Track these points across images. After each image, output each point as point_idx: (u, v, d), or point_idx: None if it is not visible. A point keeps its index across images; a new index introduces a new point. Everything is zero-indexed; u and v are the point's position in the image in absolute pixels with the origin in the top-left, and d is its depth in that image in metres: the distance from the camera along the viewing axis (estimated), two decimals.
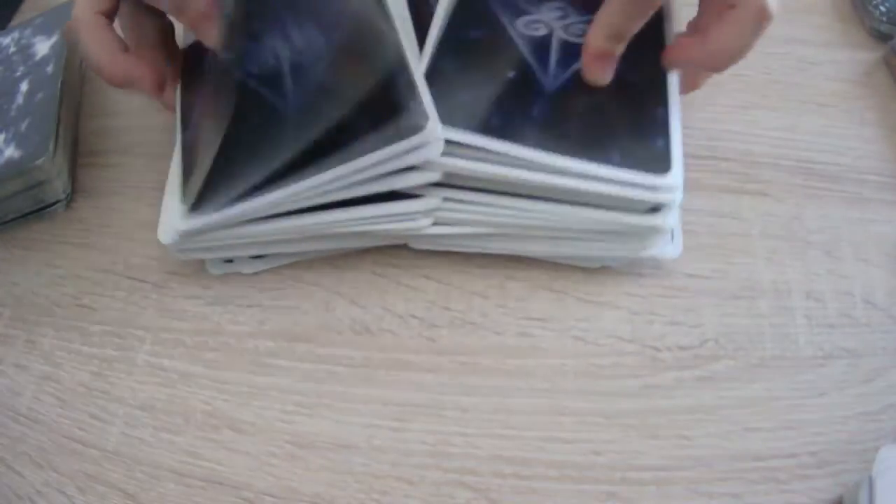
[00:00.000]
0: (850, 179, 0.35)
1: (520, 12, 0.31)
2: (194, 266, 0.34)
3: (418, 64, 0.29)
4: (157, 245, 0.35)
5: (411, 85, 0.28)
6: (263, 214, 0.29)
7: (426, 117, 0.27)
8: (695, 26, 0.31)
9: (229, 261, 0.34)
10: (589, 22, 0.28)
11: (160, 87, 0.32)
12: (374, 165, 0.27)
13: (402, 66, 0.29)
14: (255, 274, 0.34)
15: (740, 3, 0.27)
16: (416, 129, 0.27)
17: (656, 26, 0.30)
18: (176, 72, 0.33)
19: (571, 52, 0.29)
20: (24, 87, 0.38)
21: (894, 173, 0.35)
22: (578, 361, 0.30)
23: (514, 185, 0.28)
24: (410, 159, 0.27)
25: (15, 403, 0.31)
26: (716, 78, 0.39)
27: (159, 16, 0.31)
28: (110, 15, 0.30)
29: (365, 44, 0.30)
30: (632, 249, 0.31)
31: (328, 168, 0.27)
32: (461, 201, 0.29)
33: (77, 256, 0.35)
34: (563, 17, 0.31)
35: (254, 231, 0.29)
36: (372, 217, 0.29)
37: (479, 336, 0.31)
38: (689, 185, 0.35)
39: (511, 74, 0.29)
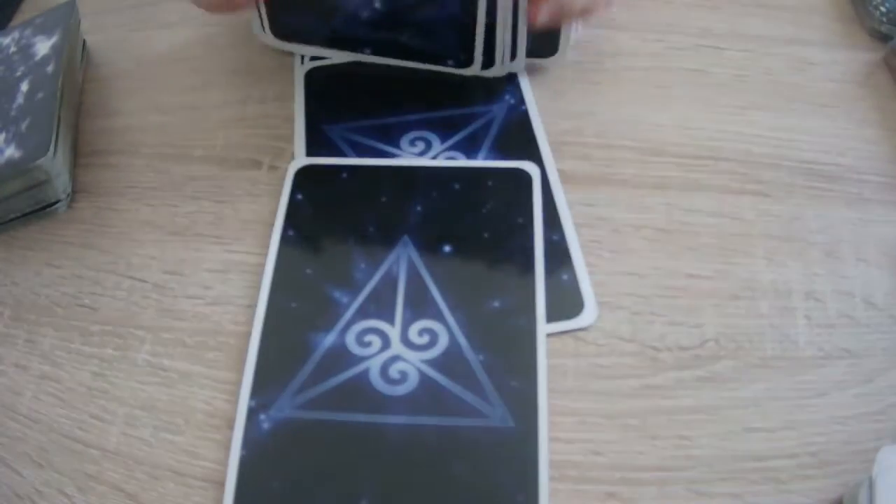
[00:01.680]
0: (850, 179, 0.35)
1: None
2: (194, 266, 0.34)
3: None
4: (157, 245, 0.35)
5: None
6: None
7: None
8: None
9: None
10: None
11: None
12: None
13: None
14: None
15: None
16: None
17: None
18: None
19: None
20: (24, 87, 0.38)
21: (894, 173, 0.35)
22: (578, 361, 0.30)
23: None
24: None
25: (15, 403, 0.31)
26: (716, 78, 0.40)
27: None
28: None
29: None
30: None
31: None
32: None
33: (77, 256, 0.35)
34: None
35: None
36: None
37: None
38: (689, 186, 0.35)
39: None
